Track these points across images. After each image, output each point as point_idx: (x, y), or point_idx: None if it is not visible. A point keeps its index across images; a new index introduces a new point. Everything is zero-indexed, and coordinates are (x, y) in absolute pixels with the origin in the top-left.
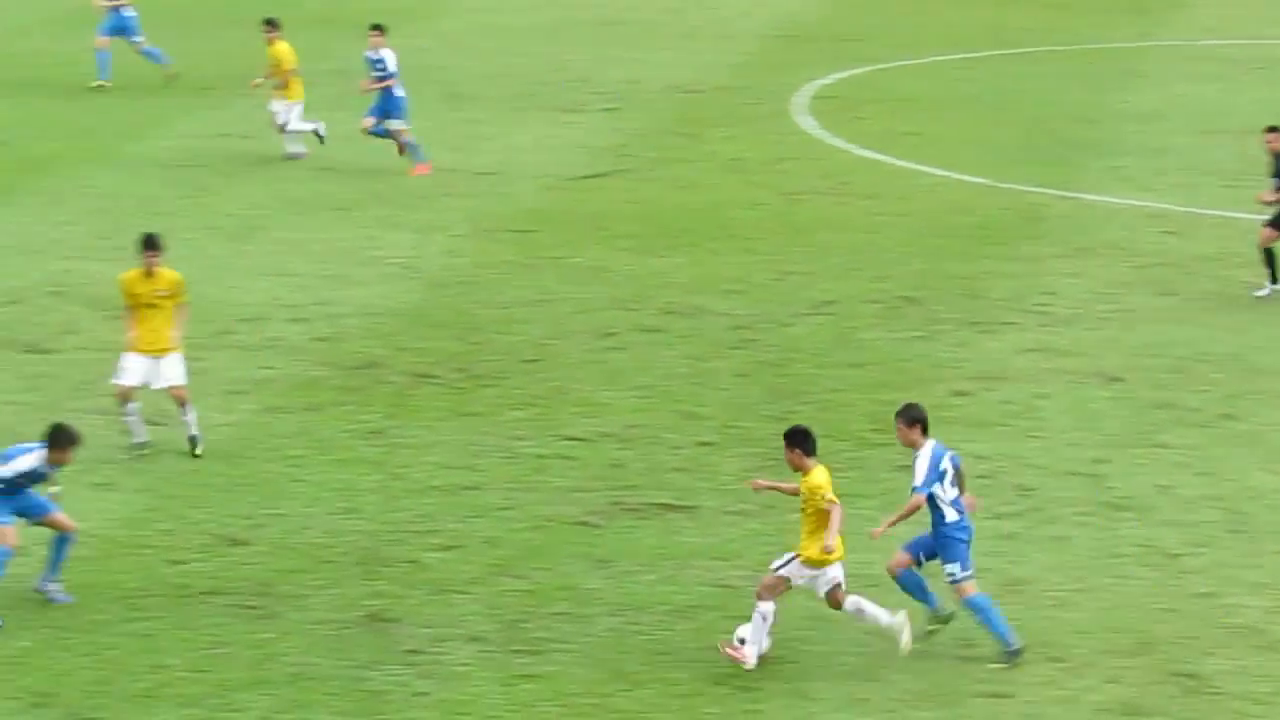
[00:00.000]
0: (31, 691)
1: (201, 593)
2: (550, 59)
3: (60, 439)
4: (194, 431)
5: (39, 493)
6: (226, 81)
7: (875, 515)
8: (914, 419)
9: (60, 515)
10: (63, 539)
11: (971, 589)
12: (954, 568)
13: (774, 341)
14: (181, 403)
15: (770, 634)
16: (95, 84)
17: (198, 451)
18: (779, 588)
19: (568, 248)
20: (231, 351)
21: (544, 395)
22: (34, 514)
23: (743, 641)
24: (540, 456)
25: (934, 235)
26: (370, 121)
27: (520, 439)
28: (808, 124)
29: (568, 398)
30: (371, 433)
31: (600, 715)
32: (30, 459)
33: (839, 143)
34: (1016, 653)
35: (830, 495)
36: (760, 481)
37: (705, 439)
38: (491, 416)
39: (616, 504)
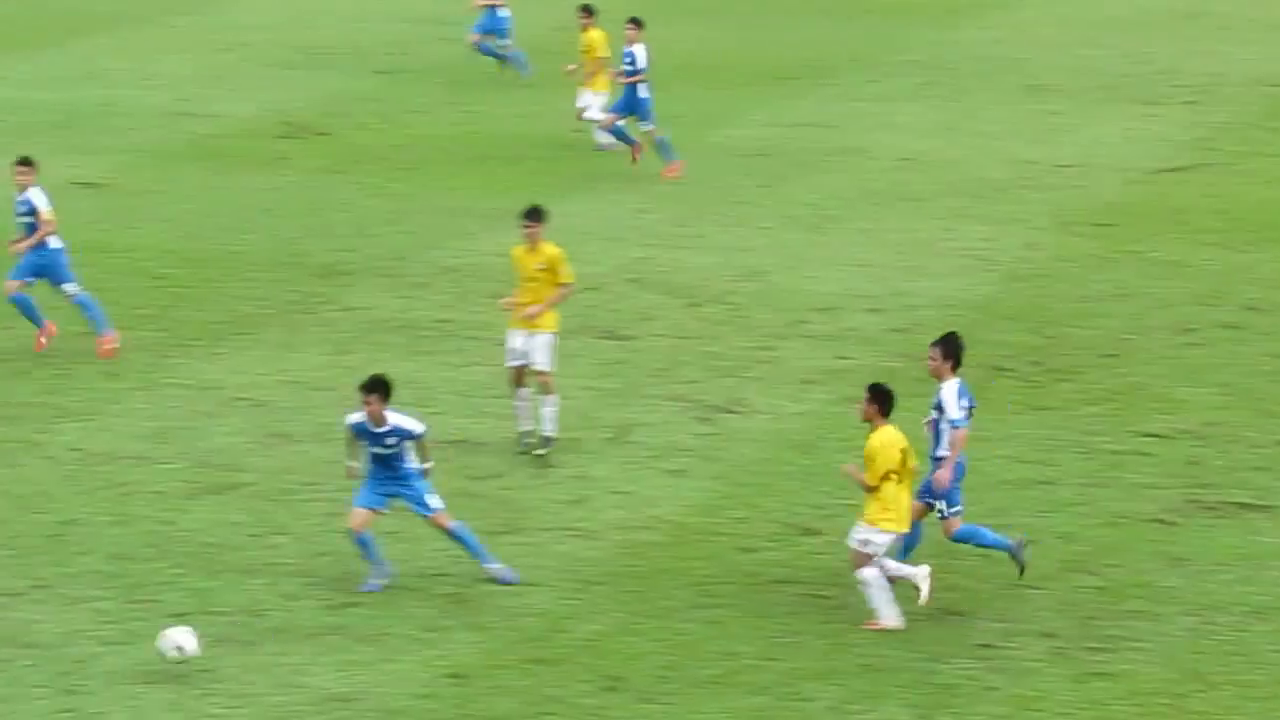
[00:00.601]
0: (604, 675)
1: (773, 581)
2: (1130, 51)
3: (372, 386)
4: (547, 430)
5: (418, 476)
6: (806, 70)
7: None
8: (950, 352)
9: (440, 516)
10: (457, 533)
11: (957, 524)
12: (942, 505)
13: None
14: (545, 389)
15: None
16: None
17: (539, 452)
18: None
19: (1148, 242)
20: (806, 341)
21: (1121, 390)
22: (417, 509)
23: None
24: (1116, 452)
25: None
26: (612, 118)
27: (1096, 434)
28: None
29: (1145, 393)
30: None
31: (1175, 716)
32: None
33: None
34: (1023, 545)
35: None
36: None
37: None
38: (1067, 411)
39: (1193, 502)
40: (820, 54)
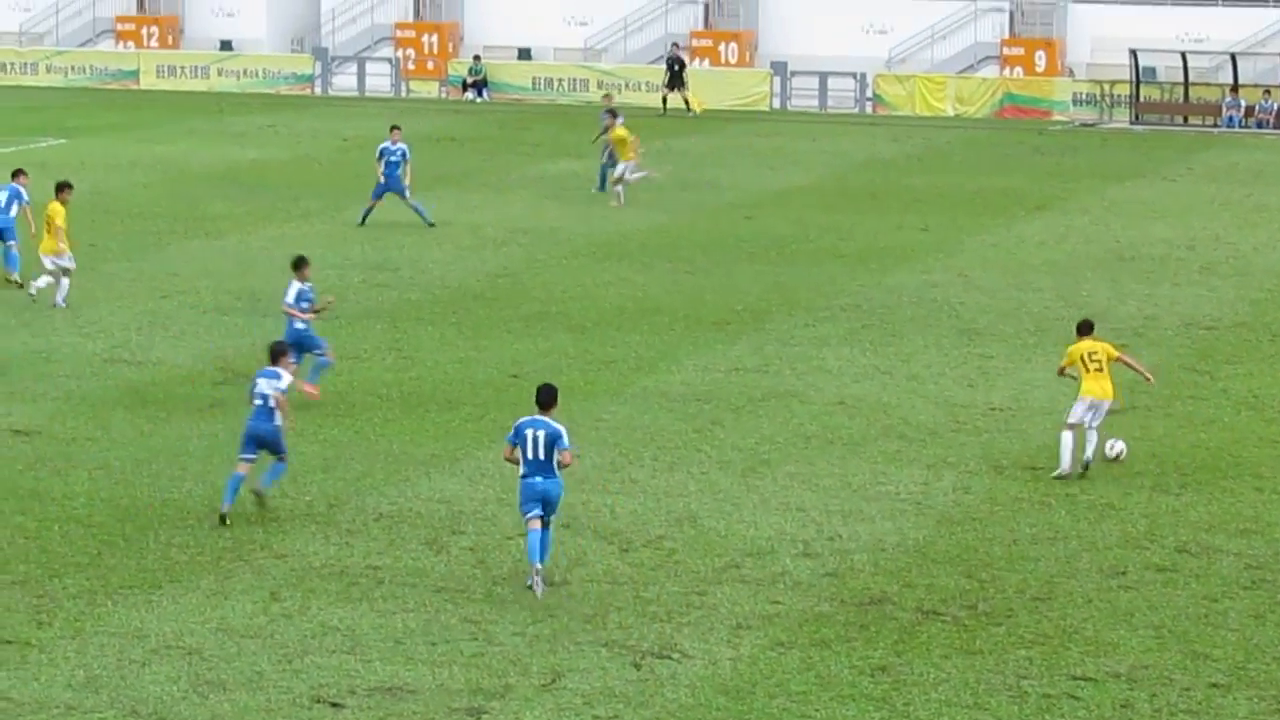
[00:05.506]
0: None
1: None
2: (1064, 293)
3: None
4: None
5: None
6: (740, 315)
7: None
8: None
9: None
10: None
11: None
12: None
13: None
14: None
15: None
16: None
17: None
18: None
19: (1080, 485)
20: (738, 585)
21: (1052, 634)
22: None
23: None
24: (1047, 696)
25: None
26: None
27: (1026, 678)
28: None
29: (1077, 636)
30: (877, 669)
31: None
32: None
33: None
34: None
35: None
36: None
37: (1216, 680)
38: (998, 654)
39: None
40: (754, 299)
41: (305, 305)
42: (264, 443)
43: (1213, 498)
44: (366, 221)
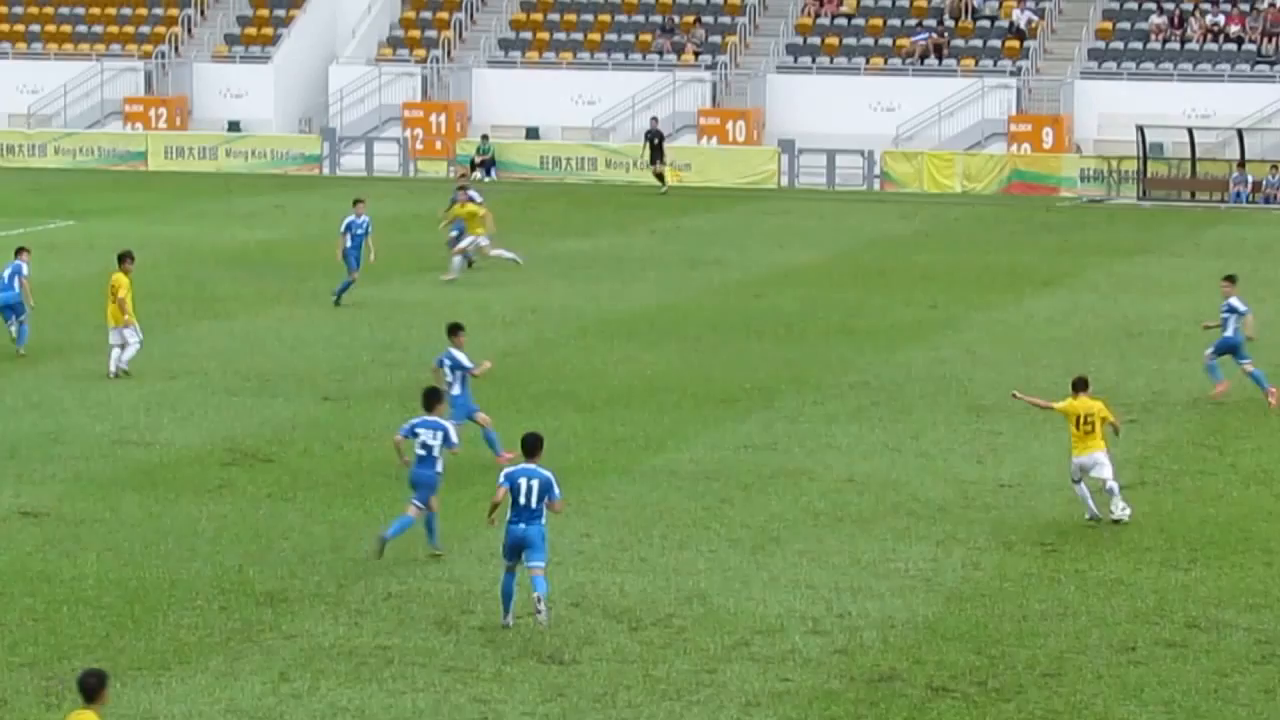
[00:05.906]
0: None
1: None
2: (1072, 369)
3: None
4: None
5: None
6: (749, 393)
7: None
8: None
9: None
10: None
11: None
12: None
13: None
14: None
15: None
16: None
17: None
18: None
19: (1089, 560)
20: (748, 663)
21: (1062, 710)
22: None
23: None
24: None
25: None
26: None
27: None
28: None
29: (1087, 712)
30: None
31: None
32: None
33: None
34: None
35: None
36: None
37: None
38: None
39: None
40: (763, 377)
41: (462, 373)
42: (417, 486)
43: (1222, 572)
44: (342, 301)
